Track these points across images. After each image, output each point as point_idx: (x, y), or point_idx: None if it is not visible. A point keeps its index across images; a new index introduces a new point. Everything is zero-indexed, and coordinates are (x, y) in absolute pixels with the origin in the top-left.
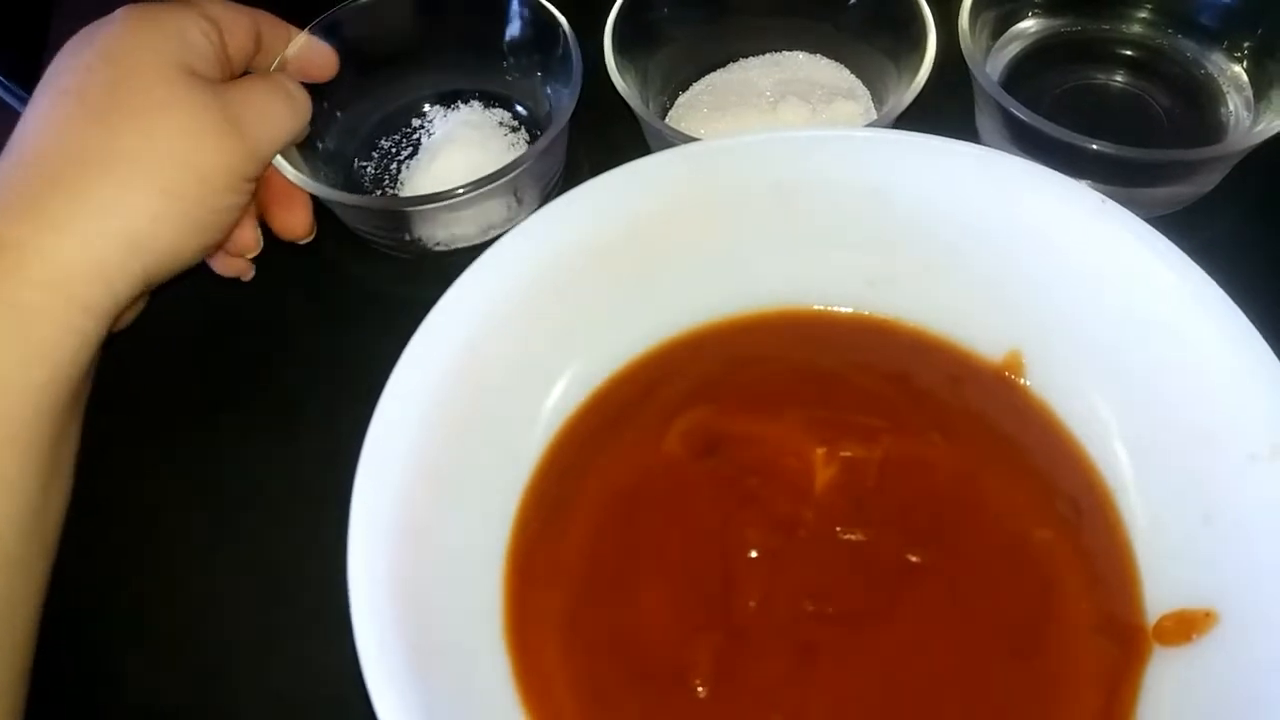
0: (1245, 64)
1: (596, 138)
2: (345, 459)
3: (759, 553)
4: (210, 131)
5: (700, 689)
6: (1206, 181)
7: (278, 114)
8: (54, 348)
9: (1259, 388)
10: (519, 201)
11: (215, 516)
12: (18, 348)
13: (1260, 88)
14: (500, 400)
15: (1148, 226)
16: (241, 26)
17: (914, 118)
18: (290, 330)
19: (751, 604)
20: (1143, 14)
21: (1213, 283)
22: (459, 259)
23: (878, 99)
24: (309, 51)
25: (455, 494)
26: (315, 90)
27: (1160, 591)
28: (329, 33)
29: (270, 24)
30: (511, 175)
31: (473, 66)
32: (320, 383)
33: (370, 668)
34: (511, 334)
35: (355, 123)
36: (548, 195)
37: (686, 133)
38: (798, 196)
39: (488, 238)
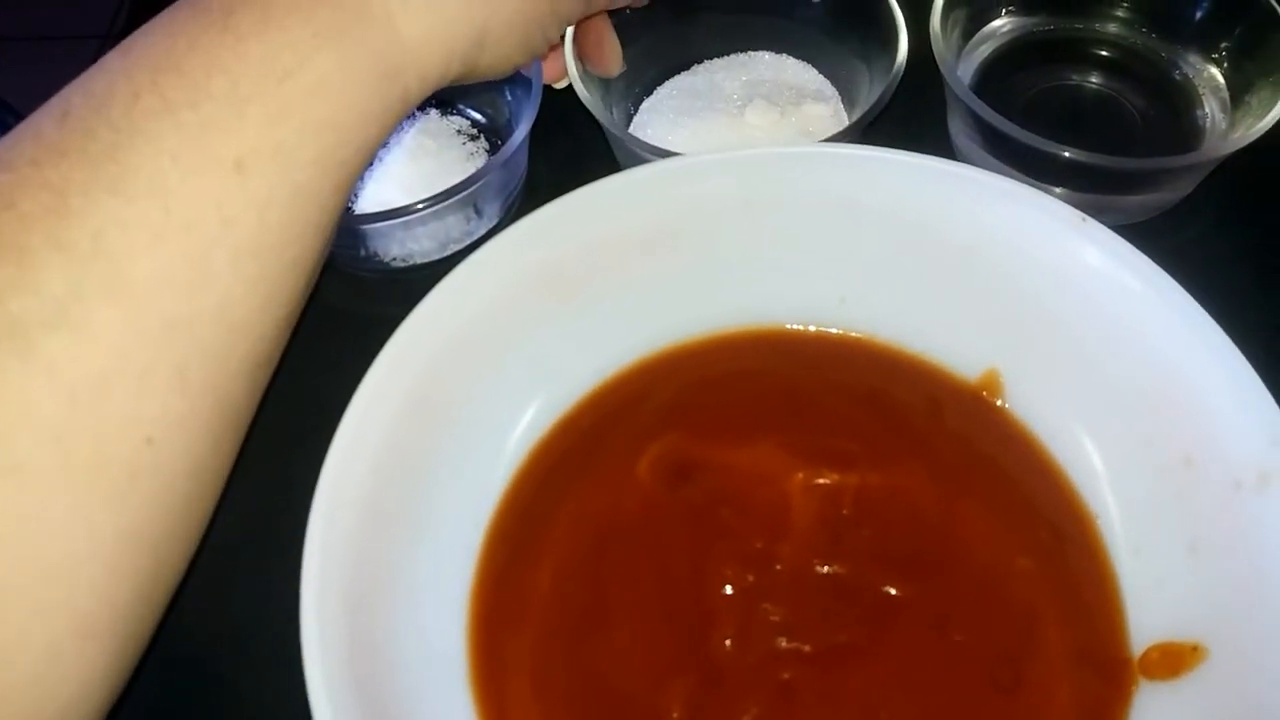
0: (1222, 66)
1: (558, 145)
2: (301, 496)
3: (733, 588)
4: None
5: None
6: (1182, 188)
7: None
8: (385, 114)
9: (1245, 414)
10: (479, 214)
11: None
12: (363, 102)
13: (1237, 91)
14: (463, 434)
15: (1129, 246)
16: None
17: (885, 120)
18: None
19: (727, 642)
20: (1118, 13)
21: (1197, 305)
22: (418, 275)
23: (847, 99)
24: None
25: (416, 535)
26: None
27: (1145, 622)
28: None
29: None
30: (471, 189)
31: None
32: (274, 412)
33: None
34: (473, 364)
35: None
36: (509, 207)
37: (651, 142)
38: (768, 214)
39: (447, 253)
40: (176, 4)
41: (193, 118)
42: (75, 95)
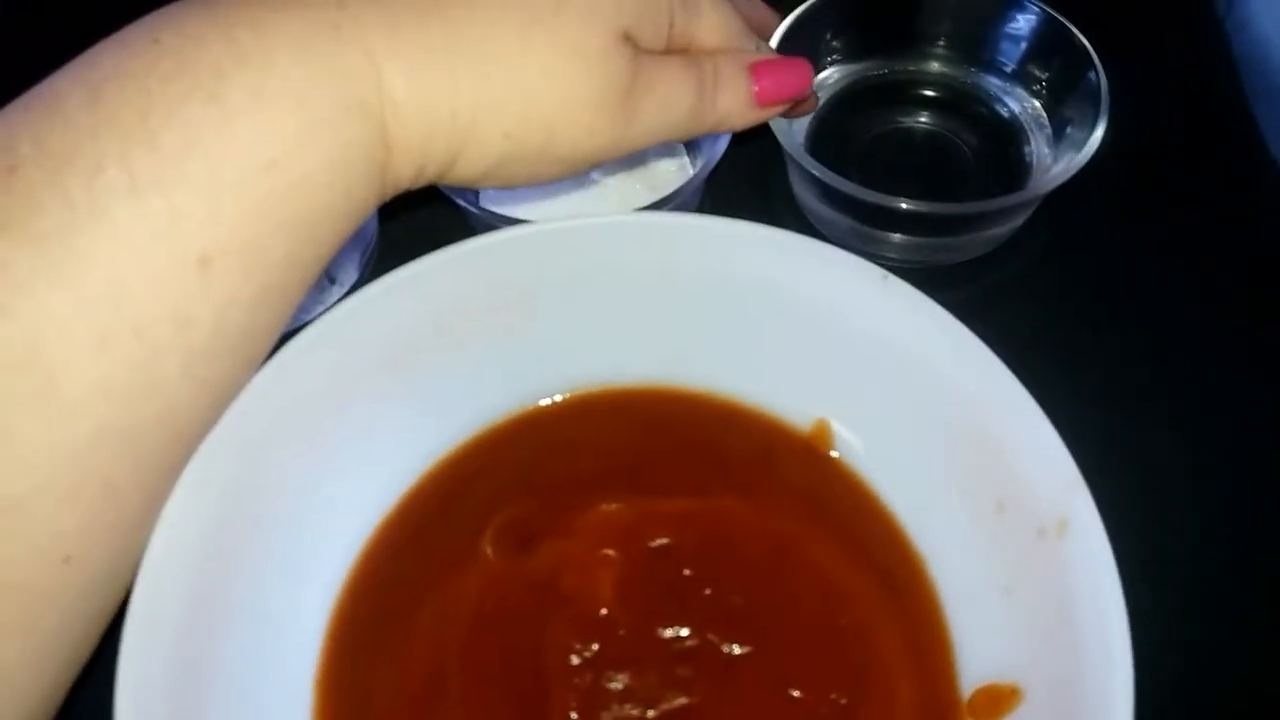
0: (1043, 101)
1: (415, 210)
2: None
3: (578, 659)
4: (602, 109)
5: None
6: (1015, 220)
7: (677, 110)
8: (359, 211)
9: (1042, 463)
10: (332, 281)
11: None
12: (344, 200)
13: (1058, 125)
14: (302, 516)
15: (929, 301)
16: (713, 29)
17: (734, 172)
18: None
19: (573, 715)
20: (943, 53)
21: (995, 357)
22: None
23: (692, 151)
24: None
25: (253, 626)
26: None
27: (973, 666)
28: None
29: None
30: None
31: None
32: None
33: None
34: (310, 442)
35: None
36: (363, 273)
37: (495, 209)
38: (609, 279)
39: (299, 323)
40: (159, 40)
41: (162, 206)
42: (24, 141)
